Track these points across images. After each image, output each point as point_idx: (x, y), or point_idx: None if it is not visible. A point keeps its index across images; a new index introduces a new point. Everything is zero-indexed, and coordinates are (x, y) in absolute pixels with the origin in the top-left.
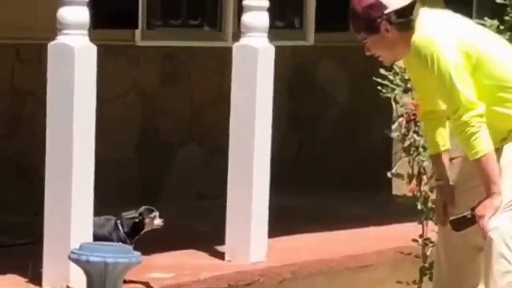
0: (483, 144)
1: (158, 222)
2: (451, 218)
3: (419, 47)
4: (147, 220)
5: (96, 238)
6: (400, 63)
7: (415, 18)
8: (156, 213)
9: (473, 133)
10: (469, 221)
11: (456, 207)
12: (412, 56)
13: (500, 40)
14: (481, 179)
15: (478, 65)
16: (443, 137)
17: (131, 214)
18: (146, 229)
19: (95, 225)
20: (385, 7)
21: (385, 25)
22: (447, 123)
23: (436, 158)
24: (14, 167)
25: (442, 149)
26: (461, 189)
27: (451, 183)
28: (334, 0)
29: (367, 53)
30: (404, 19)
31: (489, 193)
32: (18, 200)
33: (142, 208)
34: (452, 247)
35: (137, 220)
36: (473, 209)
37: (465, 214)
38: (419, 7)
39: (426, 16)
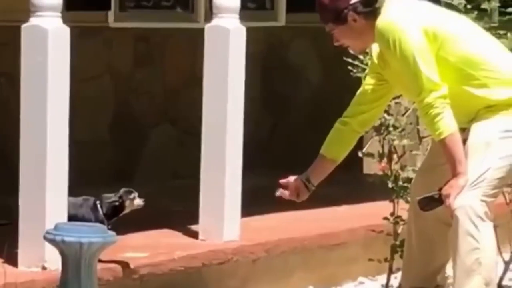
0: (447, 125)
1: (138, 202)
2: (419, 198)
3: (382, 31)
4: (127, 202)
5: (74, 218)
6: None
7: (381, 6)
8: (135, 194)
9: (437, 114)
10: (436, 201)
11: (425, 186)
12: (377, 40)
13: (464, 19)
14: (446, 159)
15: (443, 44)
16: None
17: (111, 198)
18: (127, 210)
19: (73, 205)
20: None
21: (352, 15)
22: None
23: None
24: None
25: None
26: (430, 168)
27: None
28: None
29: (336, 43)
30: (370, 8)
31: (454, 173)
32: None
33: (121, 191)
34: (423, 224)
35: (117, 203)
36: (440, 189)
37: (432, 194)
38: None
39: (390, 3)
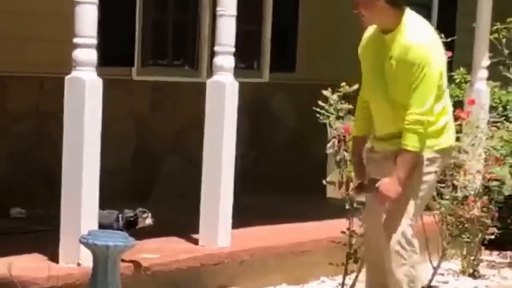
0: (421, 146)
1: (149, 221)
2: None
3: (413, 49)
4: (140, 220)
5: (102, 226)
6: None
7: (402, 2)
8: (148, 214)
9: (421, 133)
10: (374, 190)
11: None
12: (397, 51)
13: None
14: (399, 166)
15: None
16: (369, 125)
17: (130, 213)
18: (140, 225)
19: (102, 216)
20: None
21: None
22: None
23: (358, 139)
24: (39, 172)
25: (365, 133)
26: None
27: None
28: (285, 47)
29: (355, 11)
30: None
31: (397, 178)
32: (42, 197)
33: (138, 210)
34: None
35: (132, 218)
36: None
37: (376, 185)
38: None
39: (413, 17)
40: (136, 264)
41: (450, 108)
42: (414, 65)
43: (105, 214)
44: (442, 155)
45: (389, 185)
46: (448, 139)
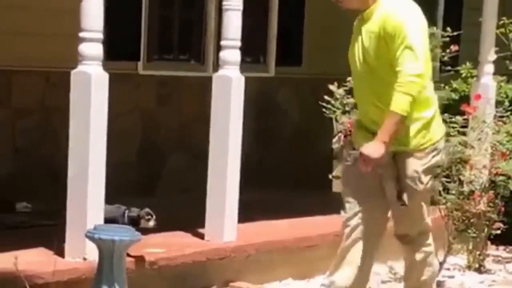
0: (407, 109)
1: (151, 224)
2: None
3: (389, 19)
4: (142, 220)
5: (108, 220)
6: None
7: None
8: (152, 217)
9: (411, 95)
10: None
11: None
12: (374, 25)
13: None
14: (384, 129)
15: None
16: None
17: (135, 211)
18: (141, 225)
19: (108, 211)
20: None
21: None
22: None
23: None
24: (45, 167)
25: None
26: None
27: None
28: (290, 42)
29: None
30: None
31: (381, 141)
32: (48, 192)
33: (143, 211)
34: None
35: (136, 218)
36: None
37: (360, 150)
38: None
39: None
40: (142, 258)
41: (435, 100)
42: (394, 36)
43: (112, 208)
44: (437, 162)
45: (372, 148)
46: (437, 132)
